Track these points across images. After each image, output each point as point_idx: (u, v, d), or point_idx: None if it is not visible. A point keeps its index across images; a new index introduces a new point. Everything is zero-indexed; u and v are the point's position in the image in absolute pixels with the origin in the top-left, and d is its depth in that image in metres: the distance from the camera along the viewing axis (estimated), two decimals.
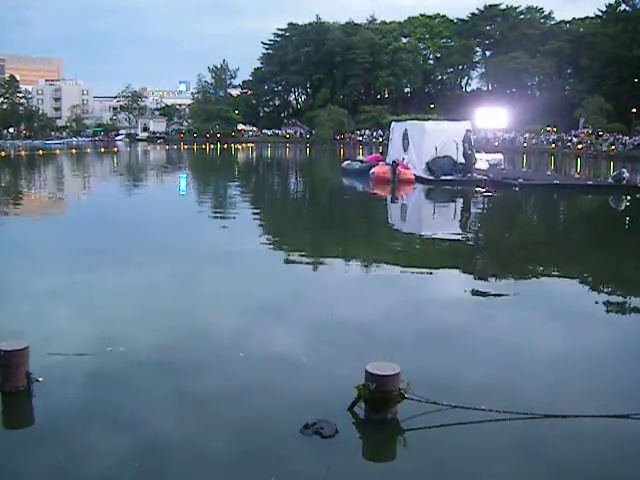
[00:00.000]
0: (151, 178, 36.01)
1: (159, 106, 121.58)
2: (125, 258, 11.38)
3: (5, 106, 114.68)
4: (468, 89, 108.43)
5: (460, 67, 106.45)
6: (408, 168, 26.99)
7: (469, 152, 26.92)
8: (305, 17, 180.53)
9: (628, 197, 23.36)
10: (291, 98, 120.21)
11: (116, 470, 4.42)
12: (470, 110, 67.95)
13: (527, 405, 5.16)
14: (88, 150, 66.39)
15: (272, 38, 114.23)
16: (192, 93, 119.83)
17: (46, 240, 13.75)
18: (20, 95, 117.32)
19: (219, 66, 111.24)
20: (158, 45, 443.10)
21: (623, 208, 21.96)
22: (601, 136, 63.73)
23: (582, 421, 5.09)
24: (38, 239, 13.87)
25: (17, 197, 23.72)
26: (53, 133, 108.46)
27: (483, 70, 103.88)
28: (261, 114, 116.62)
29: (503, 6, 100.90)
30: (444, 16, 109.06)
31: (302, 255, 12.28)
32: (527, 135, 71.62)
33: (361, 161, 32.23)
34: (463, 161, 26.91)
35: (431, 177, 26.53)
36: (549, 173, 34.43)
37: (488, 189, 24.17)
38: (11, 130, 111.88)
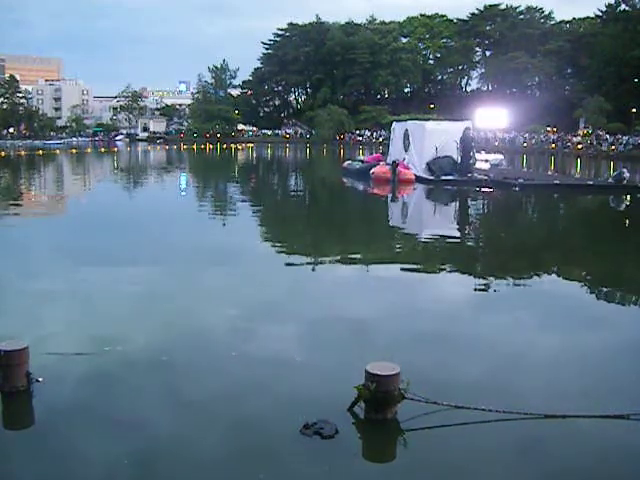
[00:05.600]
0: (151, 178, 36.00)
1: (159, 106, 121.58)
2: (124, 258, 11.38)
3: (5, 106, 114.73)
4: (468, 89, 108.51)
5: (460, 67, 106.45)
6: (408, 168, 26.99)
7: (468, 151, 26.90)
8: (305, 17, 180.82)
9: (628, 197, 23.36)
10: (291, 98, 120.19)
11: (114, 469, 4.42)
12: (470, 110, 67.87)
13: (527, 405, 5.16)
14: (88, 150, 66.40)
15: (272, 38, 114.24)
16: (192, 93, 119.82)
17: (45, 240, 13.74)
18: (20, 95, 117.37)
19: (219, 66, 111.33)
20: (158, 45, 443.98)
21: (623, 208, 21.97)
22: (600, 136, 63.70)
23: (582, 421, 5.09)
24: (38, 239, 13.86)
25: (17, 197, 23.71)
26: (53, 133, 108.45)
27: (483, 70, 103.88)
28: (261, 114, 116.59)
29: (503, 6, 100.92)
30: (444, 16, 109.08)
31: (303, 254, 12.28)
32: (527, 135, 71.59)
33: (362, 161, 32.27)
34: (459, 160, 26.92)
35: (431, 177, 26.53)
36: (549, 173, 34.44)
37: (488, 188, 24.14)
38: (11, 130, 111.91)
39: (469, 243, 14.70)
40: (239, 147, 77.99)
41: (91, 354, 6.33)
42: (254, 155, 63.90)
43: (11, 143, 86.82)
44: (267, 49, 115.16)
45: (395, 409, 5.03)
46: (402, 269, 11.09)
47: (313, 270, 10.96)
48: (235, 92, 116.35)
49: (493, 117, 67.95)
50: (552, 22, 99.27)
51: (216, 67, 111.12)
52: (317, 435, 4.75)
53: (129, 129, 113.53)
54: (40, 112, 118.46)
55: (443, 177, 26.25)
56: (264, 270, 10.65)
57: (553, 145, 66.04)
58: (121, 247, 12.62)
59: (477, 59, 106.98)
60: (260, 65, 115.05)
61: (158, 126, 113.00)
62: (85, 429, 4.95)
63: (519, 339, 7.26)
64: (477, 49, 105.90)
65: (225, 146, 77.80)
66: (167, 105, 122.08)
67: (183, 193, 27.30)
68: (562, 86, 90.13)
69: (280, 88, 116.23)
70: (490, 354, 6.72)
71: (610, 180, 26.13)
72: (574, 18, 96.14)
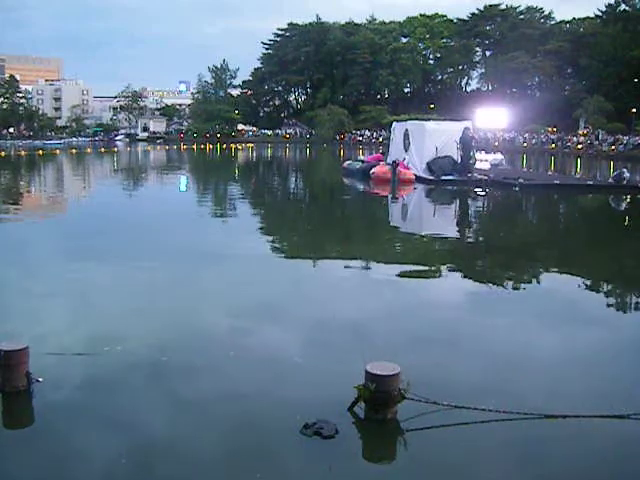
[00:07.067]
0: (151, 178, 36.01)
1: (159, 106, 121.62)
2: (123, 258, 11.37)
3: (5, 106, 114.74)
4: (468, 89, 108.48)
5: (460, 67, 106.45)
6: (408, 168, 27.00)
7: (468, 151, 26.92)
8: (305, 17, 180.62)
9: (628, 197, 23.36)
10: (291, 98, 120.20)
11: (113, 469, 4.42)
12: (470, 110, 67.87)
13: (527, 405, 5.16)
14: (88, 150, 66.38)
15: (272, 38, 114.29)
16: (192, 93, 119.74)
17: (46, 240, 13.74)
18: (20, 95, 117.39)
19: (219, 66, 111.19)
20: (158, 45, 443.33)
21: (623, 208, 21.97)
22: (600, 136, 63.71)
23: (582, 421, 5.09)
24: (38, 239, 13.86)
25: (17, 197, 23.72)
26: (53, 133, 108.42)
27: (483, 70, 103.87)
28: (261, 114, 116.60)
29: (503, 6, 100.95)
30: (444, 16, 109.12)
31: (303, 254, 12.28)
32: (527, 135, 71.61)
33: (362, 161, 32.29)
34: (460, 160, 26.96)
35: (431, 177, 26.55)
36: (549, 173, 34.43)
37: (486, 188, 24.15)
38: (11, 130, 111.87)
39: (469, 243, 14.69)
40: (239, 147, 77.99)
41: (91, 354, 6.34)
42: (254, 155, 63.90)
43: (11, 143, 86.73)
44: (267, 49, 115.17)
45: (395, 409, 5.03)
46: (402, 269, 11.08)
47: (313, 270, 10.96)
48: (235, 92, 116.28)
49: (493, 117, 67.87)
50: (552, 22, 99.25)
51: (216, 67, 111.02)
52: (317, 435, 4.75)
53: (129, 129, 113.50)
54: (40, 112, 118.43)
55: (443, 177, 26.26)
56: (264, 270, 10.65)
57: (553, 145, 66.06)
58: (121, 247, 12.61)
59: (477, 59, 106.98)
60: (260, 65, 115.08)
61: (158, 126, 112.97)
62: (85, 429, 4.95)
63: (519, 339, 7.26)
64: (477, 49, 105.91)
65: (225, 146, 77.81)
66: (167, 105, 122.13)
67: (184, 194, 27.29)
68: (562, 86, 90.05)
69: (280, 88, 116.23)
70: (490, 354, 6.72)
71: (610, 180, 26.14)
72: (574, 18, 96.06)
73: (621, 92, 73.23)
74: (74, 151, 61.24)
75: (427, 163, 27.25)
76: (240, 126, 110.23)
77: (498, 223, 18.21)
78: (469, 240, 15.15)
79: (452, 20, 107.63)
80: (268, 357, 6.40)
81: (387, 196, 24.19)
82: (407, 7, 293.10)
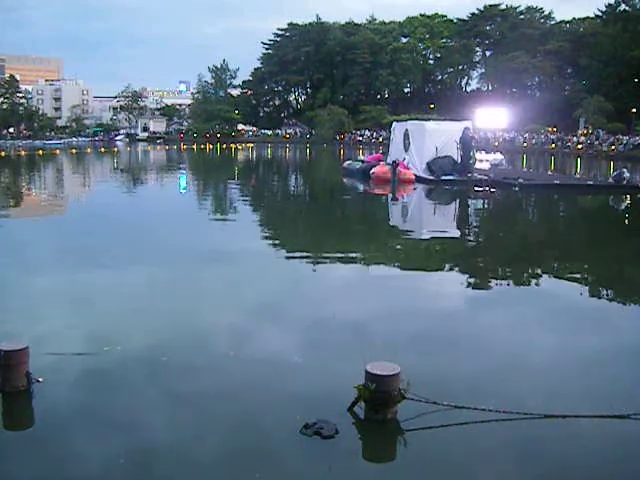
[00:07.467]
0: (151, 178, 36.00)
1: (159, 106, 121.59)
2: (123, 257, 11.37)
3: (5, 106, 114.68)
4: (468, 89, 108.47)
5: (460, 67, 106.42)
6: (408, 168, 27.01)
7: (468, 151, 26.93)
8: (305, 17, 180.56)
9: (628, 197, 23.36)
10: (291, 98, 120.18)
11: (113, 469, 4.42)
12: (470, 110, 67.83)
13: (527, 405, 5.16)
14: (88, 150, 66.36)
15: (272, 38, 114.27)
16: (192, 93, 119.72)
17: (46, 240, 13.74)
18: (20, 95, 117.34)
19: (219, 66, 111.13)
20: (158, 45, 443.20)
21: (623, 208, 21.97)
22: (600, 136, 63.69)
23: (582, 421, 5.09)
24: (38, 239, 13.86)
25: (18, 197, 23.72)
26: (53, 133, 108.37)
27: (483, 70, 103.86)
28: (261, 114, 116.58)
29: (503, 6, 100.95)
30: (444, 16, 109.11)
31: (303, 254, 12.27)
32: (527, 135, 71.60)
33: (362, 161, 32.29)
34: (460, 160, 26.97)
35: (431, 177, 26.55)
36: (549, 173, 34.44)
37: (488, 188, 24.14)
38: (11, 130, 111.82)
39: (468, 243, 14.68)
40: (239, 147, 77.97)
41: (91, 354, 6.34)
42: (254, 155, 63.88)
43: (11, 143, 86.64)
44: (267, 49, 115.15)
45: (395, 409, 5.03)
46: (402, 269, 11.09)
47: (313, 269, 10.96)
48: (235, 92, 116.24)
49: (493, 117, 67.79)
50: (552, 22, 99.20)
51: (216, 67, 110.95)
52: (317, 435, 4.75)
53: (129, 129, 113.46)
54: (40, 112, 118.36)
55: (443, 177, 26.26)
56: (263, 270, 10.65)
57: (553, 145, 66.05)
58: (120, 247, 12.61)
59: (477, 59, 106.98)
60: (260, 65, 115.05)
61: (158, 126, 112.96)
62: (85, 429, 4.95)
63: (519, 339, 7.25)
64: (477, 49, 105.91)
65: (225, 146, 77.78)
66: (167, 105, 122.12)
67: (184, 193, 27.29)
68: (562, 86, 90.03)
69: (280, 88, 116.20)
70: (490, 354, 6.72)
71: (610, 180, 26.15)
72: (574, 18, 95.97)
73: (621, 92, 73.24)
74: (74, 151, 61.23)
75: (427, 163, 27.26)
76: (240, 126, 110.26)
77: (498, 223, 18.21)
78: (469, 240, 15.14)
79: (452, 20, 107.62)
80: (268, 357, 6.40)
81: (387, 196, 24.19)
82: (407, 7, 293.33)
